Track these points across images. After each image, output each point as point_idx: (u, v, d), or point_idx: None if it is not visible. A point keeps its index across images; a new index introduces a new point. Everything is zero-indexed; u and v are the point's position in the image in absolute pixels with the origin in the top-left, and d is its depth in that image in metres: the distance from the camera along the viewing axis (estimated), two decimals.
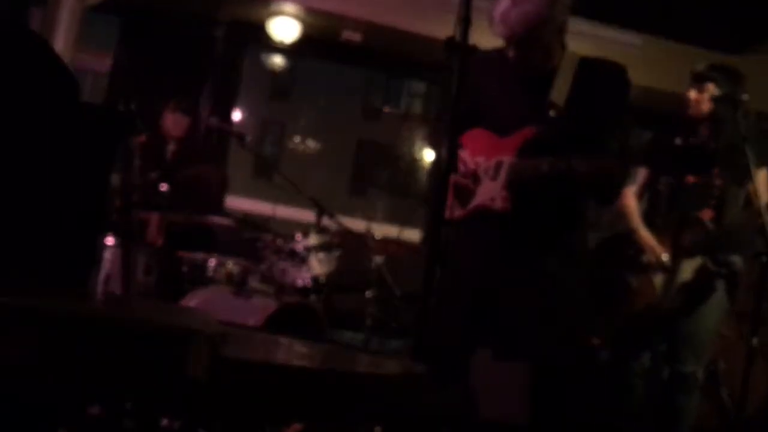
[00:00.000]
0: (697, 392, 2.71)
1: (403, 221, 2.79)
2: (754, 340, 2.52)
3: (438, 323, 2.04)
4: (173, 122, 3.90)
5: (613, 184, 2.16)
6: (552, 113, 2.12)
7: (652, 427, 2.91)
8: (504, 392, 2.69)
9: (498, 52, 2.19)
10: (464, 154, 2.20)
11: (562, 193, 2.12)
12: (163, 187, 3.10)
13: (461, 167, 2.19)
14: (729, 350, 3.59)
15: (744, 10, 4.31)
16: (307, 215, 4.47)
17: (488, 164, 2.19)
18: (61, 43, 4.40)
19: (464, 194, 2.22)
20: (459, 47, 1.84)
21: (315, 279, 3.36)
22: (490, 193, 2.15)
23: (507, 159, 2.15)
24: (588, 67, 2.19)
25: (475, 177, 2.19)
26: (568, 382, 2.17)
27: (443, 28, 2.06)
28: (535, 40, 2.09)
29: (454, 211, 2.23)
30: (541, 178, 2.08)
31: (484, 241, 2.17)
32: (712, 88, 2.71)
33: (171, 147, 3.93)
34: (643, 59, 4.87)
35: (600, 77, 2.20)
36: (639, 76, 5.28)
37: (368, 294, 3.62)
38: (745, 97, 2.55)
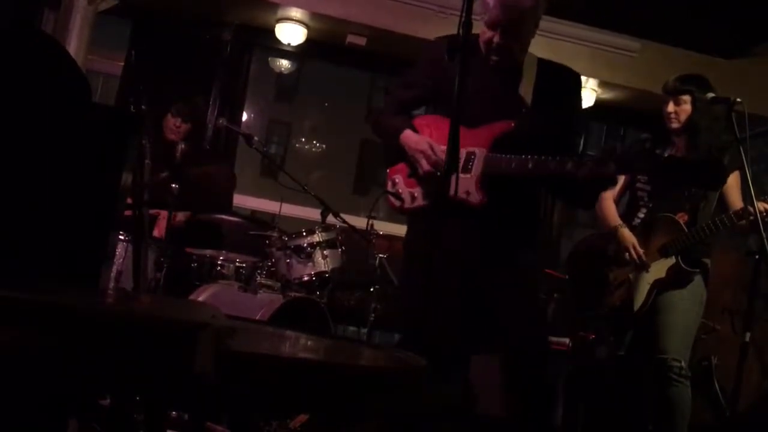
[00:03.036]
0: (689, 385, 2.71)
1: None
2: (747, 336, 2.55)
3: (414, 317, 2.05)
4: (171, 126, 3.93)
5: (604, 189, 2.17)
6: (523, 109, 2.11)
7: (650, 422, 2.95)
8: (482, 386, 2.72)
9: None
10: (431, 143, 2.12)
11: (532, 188, 2.14)
12: (174, 186, 3.15)
13: (431, 156, 2.10)
14: (722, 346, 3.65)
15: (737, 16, 4.36)
16: (312, 213, 4.53)
17: (459, 155, 2.08)
18: (73, 45, 4.46)
19: (429, 184, 2.16)
20: (460, 49, 1.85)
21: (319, 275, 3.38)
22: (464, 186, 2.08)
23: (480, 151, 2.11)
24: (548, 69, 2.19)
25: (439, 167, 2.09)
26: (543, 369, 2.16)
27: (445, 32, 2.12)
28: (519, 30, 2.07)
29: (417, 200, 2.18)
30: (521, 175, 2.05)
31: (457, 234, 2.06)
32: (689, 100, 2.77)
33: (180, 147, 3.98)
34: (640, 63, 4.94)
35: (560, 80, 2.20)
36: (637, 80, 5.36)
37: (371, 290, 3.66)
38: (738, 99, 2.61)
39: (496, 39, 2.08)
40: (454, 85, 2.07)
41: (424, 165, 2.12)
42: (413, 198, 2.20)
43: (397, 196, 2.22)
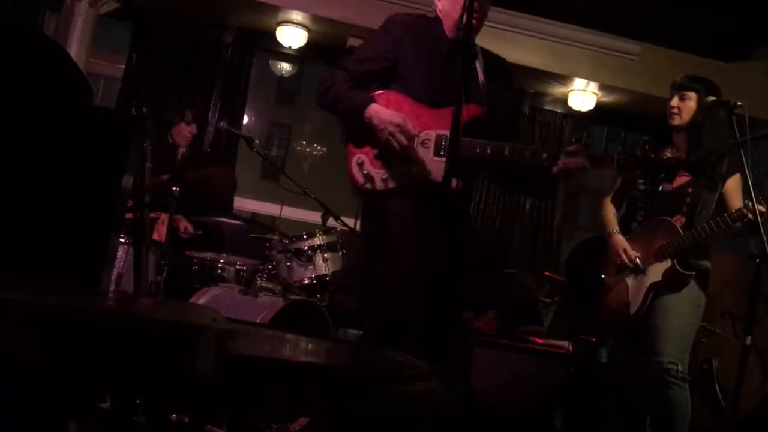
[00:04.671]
0: (687, 388, 2.69)
1: None
2: (748, 339, 2.53)
3: (392, 298, 2.02)
4: (186, 134, 3.96)
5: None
6: (482, 91, 2.13)
7: (650, 426, 2.94)
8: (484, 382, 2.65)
9: (427, 21, 2.18)
10: (405, 117, 2.05)
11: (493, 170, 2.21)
12: (174, 188, 3.15)
13: (409, 130, 2.04)
14: (723, 349, 3.64)
15: (738, 19, 4.38)
16: (313, 216, 4.55)
17: (427, 137, 2.09)
18: (74, 48, 4.48)
19: (402, 163, 2.09)
20: (461, 49, 1.89)
21: (320, 278, 3.37)
22: (440, 169, 2.02)
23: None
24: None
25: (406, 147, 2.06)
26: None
27: None
28: (488, 8, 2.16)
29: (388, 182, 2.10)
30: (493, 160, 2.05)
31: (432, 216, 2.03)
32: (695, 98, 2.77)
33: (181, 150, 4.00)
34: (641, 66, 4.95)
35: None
36: (637, 83, 5.37)
37: None
38: (738, 102, 2.61)
39: (476, 6, 2.07)
40: (415, 63, 2.12)
41: (401, 140, 2.04)
42: (384, 180, 2.10)
43: (367, 177, 2.11)
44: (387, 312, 2.14)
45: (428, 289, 1.97)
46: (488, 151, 2.02)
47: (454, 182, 2.00)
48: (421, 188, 2.07)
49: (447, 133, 2.05)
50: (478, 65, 2.17)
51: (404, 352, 1.96)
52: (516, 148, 2.02)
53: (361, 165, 2.12)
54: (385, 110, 2.07)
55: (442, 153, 2.05)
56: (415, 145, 2.08)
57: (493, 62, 2.23)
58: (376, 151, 2.11)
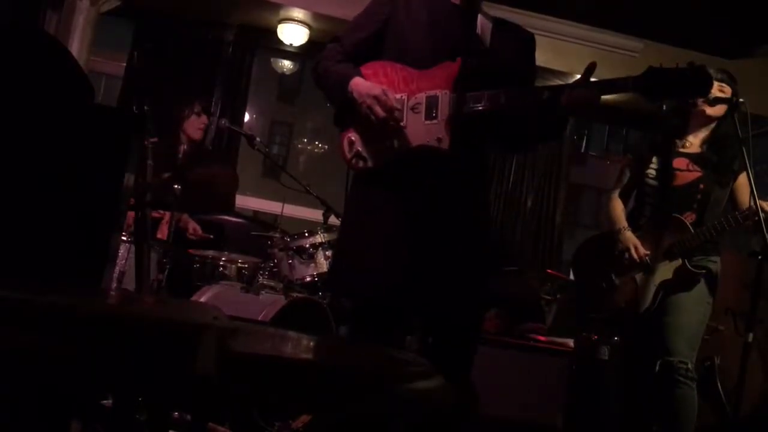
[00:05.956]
0: (694, 387, 2.69)
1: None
2: (750, 337, 2.53)
3: (376, 282, 1.90)
4: (199, 125, 3.97)
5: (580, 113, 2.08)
6: (481, 46, 1.99)
7: (654, 424, 2.94)
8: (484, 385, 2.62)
9: None
10: (385, 89, 1.93)
11: (498, 128, 2.00)
12: (176, 187, 3.16)
13: (386, 102, 1.90)
14: (724, 347, 3.64)
15: (740, 16, 4.37)
16: (315, 214, 4.55)
17: (417, 101, 1.96)
18: (76, 46, 4.49)
19: (379, 139, 1.97)
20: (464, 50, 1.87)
21: (322, 276, 3.37)
22: (432, 132, 1.92)
23: (443, 93, 1.94)
24: (505, 24, 2.09)
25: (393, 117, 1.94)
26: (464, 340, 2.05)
27: None
28: None
29: (379, 158, 1.99)
30: (492, 111, 1.89)
31: (424, 187, 1.93)
32: (729, 92, 2.71)
33: (183, 148, 4.01)
34: (643, 63, 4.93)
35: (517, 35, 2.10)
36: None
37: None
38: (741, 99, 2.60)
39: None
40: (406, 26, 1.99)
41: (379, 112, 1.90)
42: (375, 157, 1.99)
43: (359, 156, 2.00)
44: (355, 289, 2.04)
45: (412, 270, 1.87)
46: (483, 102, 1.88)
47: (449, 142, 1.89)
48: (414, 159, 1.94)
49: (437, 92, 1.94)
50: (480, 24, 2.03)
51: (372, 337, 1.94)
52: (512, 93, 1.87)
53: (352, 144, 2.02)
54: (365, 83, 1.95)
55: (434, 114, 1.93)
56: (405, 113, 1.96)
57: (508, 26, 2.10)
58: (364, 128, 1.99)
